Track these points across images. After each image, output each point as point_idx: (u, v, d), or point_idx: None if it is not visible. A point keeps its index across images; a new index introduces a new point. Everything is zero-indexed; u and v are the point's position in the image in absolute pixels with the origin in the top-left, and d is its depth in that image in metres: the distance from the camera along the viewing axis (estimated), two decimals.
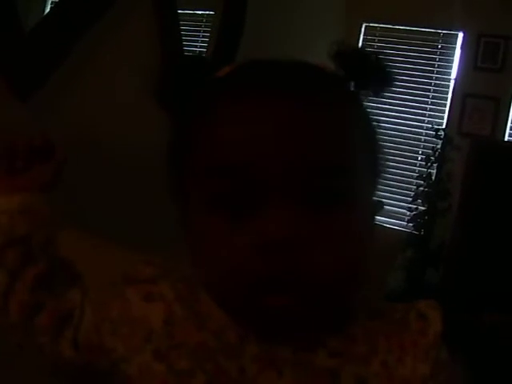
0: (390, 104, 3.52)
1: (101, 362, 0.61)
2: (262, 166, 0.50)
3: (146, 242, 1.41)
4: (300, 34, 3.13)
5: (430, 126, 3.52)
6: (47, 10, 1.98)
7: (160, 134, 0.61)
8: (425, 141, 3.59)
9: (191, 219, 0.56)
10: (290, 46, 2.95)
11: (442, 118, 3.59)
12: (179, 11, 2.38)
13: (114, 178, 2.13)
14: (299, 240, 0.50)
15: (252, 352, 0.56)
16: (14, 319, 0.65)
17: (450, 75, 3.59)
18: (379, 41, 3.71)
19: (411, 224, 3.35)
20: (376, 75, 0.58)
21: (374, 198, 0.59)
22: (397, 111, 3.58)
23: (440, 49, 3.62)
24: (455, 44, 3.58)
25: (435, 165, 3.39)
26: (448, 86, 3.59)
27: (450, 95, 3.58)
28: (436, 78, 3.62)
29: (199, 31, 2.68)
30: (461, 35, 3.55)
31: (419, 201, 3.36)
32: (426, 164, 3.40)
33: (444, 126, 3.50)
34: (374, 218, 0.59)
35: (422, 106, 3.62)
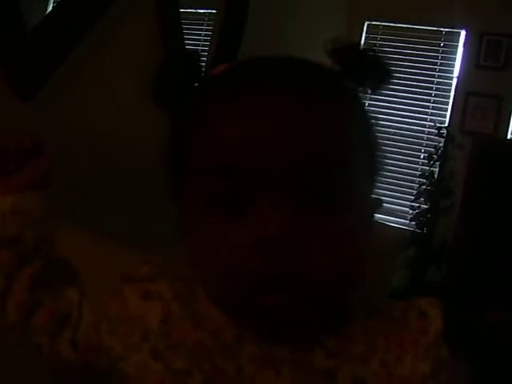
0: (392, 102, 3.51)
1: (100, 361, 0.61)
2: (259, 165, 0.50)
3: (144, 240, 1.41)
4: (302, 33, 3.13)
5: (432, 124, 3.51)
6: (49, 9, 1.98)
7: (160, 133, 0.60)
8: (427, 139, 3.58)
9: (190, 219, 0.56)
10: (291, 45, 2.95)
11: (445, 117, 3.58)
12: (181, 10, 2.38)
13: (113, 177, 2.13)
14: (297, 239, 0.50)
15: (250, 352, 0.56)
16: (12, 320, 0.65)
17: (452, 73, 3.58)
18: (381, 39, 3.70)
19: (413, 222, 3.34)
20: (373, 71, 0.58)
21: (373, 196, 0.59)
22: (399, 109, 3.57)
23: (442, 47, 3.61)
24: (457, 42, 3.57)
25: (438, 163, 3.38)
26: (450, 85, 3.58)
27: (452, 93, 3.57)
28: (438, 76, 3.61)
29: (201, 30, 2.68)
30: (463, 33, 3.54)
31: (422, 199, 3.36)
32: (429, 162, 3.39)
33: (446, 125, 3.49)
34: (372, 216, 0.58)
35: (425, 104, 3.61)
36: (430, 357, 0.57)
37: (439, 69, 3.61)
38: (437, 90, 3.61)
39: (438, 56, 3.62)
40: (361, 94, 0.58)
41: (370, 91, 0.58)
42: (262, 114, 0.51)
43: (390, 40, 3.66)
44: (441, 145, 3.37)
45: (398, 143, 3.47)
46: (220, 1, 2.58)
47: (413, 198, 3.40)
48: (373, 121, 0.59)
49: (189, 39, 2.47)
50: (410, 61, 3.53)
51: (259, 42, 2.69)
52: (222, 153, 0.52)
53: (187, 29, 2.44)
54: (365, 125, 0.58)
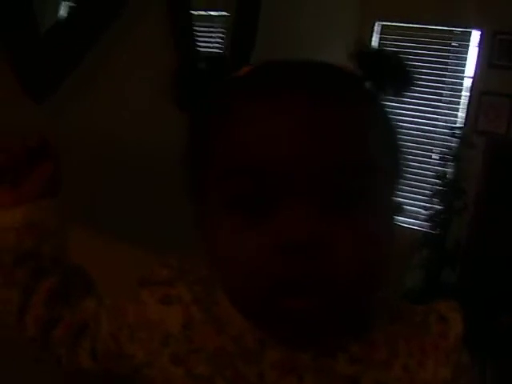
0: (406, 103, 3.49)
1: (121, 368, 0.61)
2: (283, 167, 0.50)
3: (159, 243, 1.41)
4: (314, 34, 3.12)
5: (445, 124, 3.49)
6: (60, 12, 1.99)
7: (174, 135, 0.60)
8: (440, 139, 3.56)
9: (209, 220, 0.55)
10: (303, 45, 2.94)
11: (458, 117, 3.56)
12: (193, 12, 2.38)
13: (126, 180, 2.14)
14: (321, 243, 0.49)
15: (272, 358, 0.55)
16: (31, 334, 0.64)
17: (465, 73, 3.57)
18: (394, 39, 3.69)
19: (427, 223, 3.33)
20: (395, 75, 0.57)
21: (395, 199, 0.59)
22: (412, 110, 3.56)
23: (455, 47, 3.60)
24: (470, 42, 3.55)
25: (451, 163, 3.37)
26: (463, 84, 3.56)
27: (465, 93, 3.55)
28: (451, 76, 3.59)
29: (213, 32, 2.68)
30: (476, 33, 3.52)
31: (435, 200, 3.34)
32: (442, 163, 3.38)
33: (460, 125, 3.47)
34: (394, 220, 0.58)
35: (438, 104, 3.59)
36: (451, 361, 0.57)
37: (452, 69, 3.59)
38: (450, 90, 3.59)
39: (450, 56, 3.61)
40: (383, 98, 0.58)
41: (391, 95, 0.58)
42: (286, 116, 0.50)
43: (402, 40, 3.64)
44: (454, 145, 3.36)
45: (411, 144, 3.46)
46: (232, 3, 2.58)
47: (426, 198, 3.39)
48: (395, 124, 0.59)
49: (201, 41, 2.47)
50: (422, 61, 3.51)
51: (271, 42, 2.69)
52: (241, 154, 0.52)
53: (199, 31, 2.44)
54: (388, 128, 0.58)
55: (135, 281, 0.64)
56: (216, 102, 0.56)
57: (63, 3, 2.00)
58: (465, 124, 3.49)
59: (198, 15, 2.43)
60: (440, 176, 3.35)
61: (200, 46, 2.45)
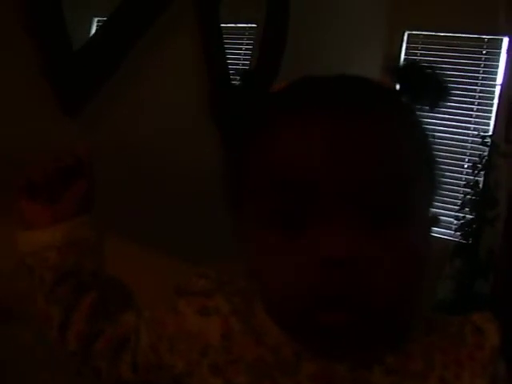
0: (436, 112, 3.45)
1: (161, 379, 0.61)
2: (319, 183, 0.50)
3: (198, 253, 1.42)
4: (341, 44, 3.13)
5: (476, 133, 3.45)
6: (93, 30, 2.02)
7: (211, 145, 0.61)
8: (471, 148, 3.52)
9: (248, 233, 0.56)
10: (332, 56, 2.95)
11: (489, 125, 3.52)
12: (222, 25, 2.40)
13: (161, 190, 2.16)
14: (361, 260, 0.50)
15: (308, 370, 0.55)
16: (72, 348, 0.65)
17: (495, 81, 3.53)
18: (422, 48, 3.67)
19: (459, 233, 3.29)
20: (431, 88, 0.57)
21: (431, 211, 0.59)
22: (442, 119, 3.53)
23: (485, 54, 3.56)
24: (500, 49, 3.52)
25: (482, 172, 3.33)
26: (494, 92, 3.52)
27: (495, 101, 3.51)
28: (481, 84, 3.55)
29: (242, 44, 2.70)
30: (506, 40, 3.48)
31: (467, 209, 3.30)
32: (473, 172, 3.33)
33: (490, 133, 3.43)
34: (430, 234, 0.58)
35: (468, 113, 3.56)
36: (487, 373, 0.56)
37: (482, 77, 3.56)
38: (480, 98, 3.55)
39: (480, 64, 3.57)
40: (419, 111, 0.58)
41: (427, 107, 0.58)
42: (323, 132, 0.51)
43: (431, 49, 3.62)
44: (485, 154, 3.32)
45: (441, 153, 3.41)
46: (260, 15, 2.60)
47: (457, 208, 3.35)
48: (430, 137, 0.59)
49: (230, 53, 2.49)
50: (452, 69, 3.49)
51: (300, 54, 2.70)
52: (279, 169, 0.52)
53: (228, 43, 2.46)
54: (423, 141, 0.58)
55: (172, 290, 0.65)
56: (253, 117, 0.57)
57: (95, 19, 2.04)
58: (494, 132, 3.45)
59: (227, 27, 2.46)
60: (471, 185, 3.31)
61: (229, 58, 2.47)
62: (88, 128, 1.93)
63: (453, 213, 3.37)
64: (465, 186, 3.37)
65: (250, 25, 2.71)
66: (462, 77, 3.53)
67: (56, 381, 1.18)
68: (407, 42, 3.71)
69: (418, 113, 0.58)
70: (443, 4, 3.49)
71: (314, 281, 0.50)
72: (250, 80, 0.61)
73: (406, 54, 3.65)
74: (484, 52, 3.56)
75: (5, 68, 1.68)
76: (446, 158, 3.48)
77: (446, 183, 3.47)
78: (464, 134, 3.57)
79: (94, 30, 2.03)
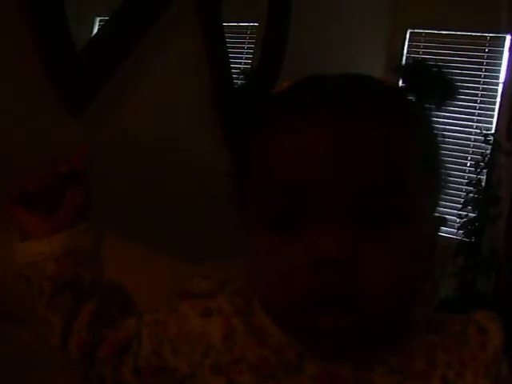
0: (438, 110, 3.45)
1: (165, 382, 0.61)
2: (321, 184, 0.50)
3: (198, 252, 1.42)
4: (344, 42, 3.12)
5: (478, 131, 3.45)
6: (95, 29, 2.03)
7: (211, 145, 0.61)
8: (474, 146, 3.52)
9: (249, 233, 0.57)
10: (334, 54, 2.94)
11: (491, 123, 3.51)
12: (224, 24, 2.41)
13: (168, 189, 2.16)
14: (355, 261, 0.50)
15: (311, 371, 0.55)
16: (75, 355, 0.64)
17: (498, 79, 3.52)
18: (424, 47, 3.66)
19: (462, 231, 3.28)
20: (438, 87, 0.57)
21: (436, 214, 0.58)
22: (445, 117, 3.52)
23: (487, 53, 3.55)
24: (503, 47, 3.51)
25: (485, 170, 3.32)
26: (496, 91, 3.51)
27: (498, 99, 3.50)
28: (484, 82, 3.55)
29: (244, 43, 2.70)
30: (508, 38, 3.47)
31: (469, 207, 3.30)
32: (476, 170, 3.33)
33: (493, 131, 3.43)
34: (435, 235, 0.58)
35: (471, 111, 3.55)
36: (490, 373, 0.56)
37: (484, 75, 3.55)
38: (483, 96, 3.55)
39: (483, 62, 3.56)
40: (426, 110, 0.58)
41: (434, 107, 0.58)
42: (326, 134, 0.51)
43: (433, 47, 3.61)
44: (488, 152, 3.31)
45: (444, 151, 3.40)
46: (262, 14, 2.60)
47: (460, 206, 3.34)
48: (438, 138, 0.59)
49: (232, 52, 2.50)
50: (454, 68, 3.47)
51: (302, 52, 2.70)
52: (278, 172, 0.52)
53: (230, 42, 2.47)
54: (429, 143, 0.58)
55: (173, 292, 0.64)
56: (256, 118, 0.57)
57: (97, 19, 2.04)
58: (496, 130, 3.44)
59: (229, 26, 2.46)
60: (474, 183, 3.31)
61: (231, 57, 2.47)
62: (91, 128, 1.94)
63: (455, 211, 3.37)
64: (467, 184, 3.37)
65: (251, 24, 2.71)
66: (465, 75, 3.53)
67: (56, 381, 1.18)
68: (410, 40, 3.70)
69: (426, 112, 0.58)
70: (445, 2, 3.48)
71: (309, 282, 0.50)
72: (252, 80, 0.61)
73: (408, 52, 3.65)
74: (486, 50, 3.55)
75: (8, 69, 1.69)
76: (449, 156, 3.47)
77: (449, 181, 3.46)
78: (466, 132, 3.56)
79: (95, 30, 2.03)
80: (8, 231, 0.67)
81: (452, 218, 3.40)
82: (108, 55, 1.93)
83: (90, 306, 0.65)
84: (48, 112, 1.81)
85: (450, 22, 3.51)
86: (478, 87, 3.54)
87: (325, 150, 0.51)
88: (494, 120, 3.51)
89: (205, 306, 0.61)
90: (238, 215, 0.59)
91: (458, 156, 3.53)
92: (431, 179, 0.57)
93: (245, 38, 2.73)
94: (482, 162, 3.31)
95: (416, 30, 3.69)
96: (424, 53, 3.63)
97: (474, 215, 3.28)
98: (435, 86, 0.57)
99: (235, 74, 2.46)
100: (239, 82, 2.28)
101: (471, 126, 3.56)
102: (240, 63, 2.64)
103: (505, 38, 3.49)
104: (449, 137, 3.53)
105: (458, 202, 3.38)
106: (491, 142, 3.30)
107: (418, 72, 0.57)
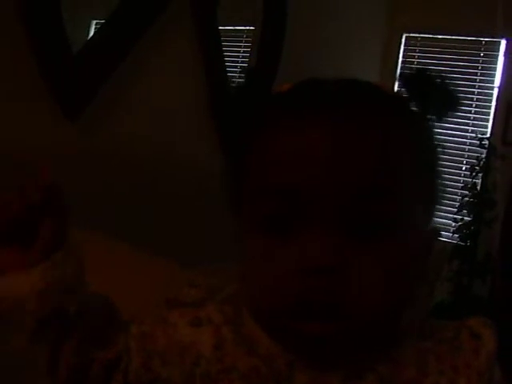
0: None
1: None
2: (312, 187, 0.50)
3: (194, 255, 1.42)
4: (340, 46, 3.13)
5: (473, 135, 3.46)
6: (91, 32, 2.03)
7: (208, 148, 0.61)
8: (469, 150, 3.53)
9: (243, 236, 0.56)
10: (330, 58, 2.95)
11: (486, 127, 3.52)
12: (220, 28, 2.41)
13: (164, 191, 2.16)
14: (342, 268, 0.49)
15: (301, 380, 0.55)
16: (64, 380, 0.61)
17: (493, 83, 3.53)
18: (420, 51, 3.68)
19: (457, 235, 3.29)
20: (441, 98, 0.57)
21: (430, 226, 0.58)
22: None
23: (482, 57, 3.57)
24: (498, 51, 3.52)
25: (480, 174, 3.33)
26: (491, 95, 3.53)
27: (493, 103, 3.51)
28: (479, 86, 3.56)
29: (240, 47, 2.71)
30: (503, 42, 3.49)
31: (464, 211, 3.30)
32: (471, 174, 3.34)
33: (488, 135, 3.44)
34: (428, 247, 0.57)
35: (466, 115, 3.56)
36: (483, 380, 0.56)
37: (480, 79, 3.56)
38: (478, 100, 3.56)
39: (478, 66, 3.58)
40: (426, 119, 0.57)
41: (435, 117, 0.57)
42: (324, 136, 0.51)
43: (428, 52, 3.63)
44: (483, 156, 3.32)
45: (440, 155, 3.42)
46: (258, 17, 2.60)
47: (455, 210, 3.35)
48: (436, 146, 0.58)
49: (228, 56, 2.50)
50: (450, 72, 3.49)
51: (298, 56, 2.71)
52: (272, 174, 0.52)
53: (226, 46, 2.47)
54: (426, 152, 0.57)
55: (162, 300, 0.63)
56: (253, 119, 0.57)
57: (93, 22, 2.04)
58: (492, 134, 3.45)
59: (225, 30, 2.46)
60: (469, 187, 3.32)
61: (228, 61, 2.47)
62: (88, 131, 1.93)
63: (451, 215, 3.38)
64: (463, 188, 3.37)
65: (247, 27, 2.71)
66: (460, 79, 3.54)
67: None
68: (405, 45, 3.71)
69: (425, 120, 0.57)
70: (441, 6, 3.49)
71: (298, 287, 0.50)
72: (252, 79, 0.60)
73: (403, 57, 3.66)
74: (482, 54, 3.57)
75: (4, 71, 1.68)
76: (444, 160, 3.46)
77: (444, 185, 3.46)
78: (462, 136, 3.57)
79: (92, 33, 2.03)
80: None
81: (447, 221, 3.41)
82: (104, 58, 1.93)
83: (75, 333, 0.62)
84: (45, 114, 1.80)
85: (445, 26, 3.53)
86: (474, 91, 3.56)
87: (323, 152, 0.50)
88: (490, 124, 3.52)
89: (194, 316, 0.60)
90: (233, 218, 0.58)
91: (453, 160, 3.54)
92: (426, 191, 0.56)
93: (241, 42, 2.73)
94: (477, 165, 3.32)
95: (412, 34, 3.70)
96: (419, 57, 3.64)
97: (469, 219, 3.29)
98: (438, 98, 0.56)
99: (231, 77, 2.46)
100: (239, 80, 2.27)
101: (466, 130, 3.57)
102: (236, 66, 2.64)
103: (500, 42, 3.50)
104: (444, 141, 3.53)
105: (454, 206, 3.38)
106: (486, 146, 3.31)
107: (422, 82, 0.57)
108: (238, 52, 2.71)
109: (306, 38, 2.86)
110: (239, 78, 2.56)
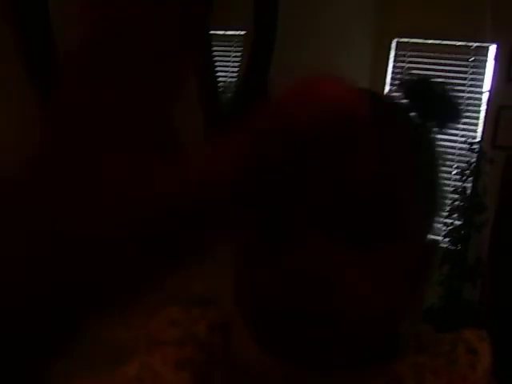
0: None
1: None
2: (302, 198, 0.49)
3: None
4: (330, 51, 3.13)
5: (463, 139, 3.47)
6: None
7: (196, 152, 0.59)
8: (459, 155, 3.54)
9: (238, 243, 0.55)
10: (320, 63, 2.95)
11: (476, 132, 3.54)
12: (210, 32, 2.41)
13: None
14: (337, 278, 0.49)
15: None
16: None
17: (482, 88, 3.55)
18: (410, 56, 3.69)
19: (447, 239, 3.30)
20: (443, 109, 0.56)
21: (428, 237, 0.57)
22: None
23: (472, 62, 3.59)
24: (487, 56, 3.54)
25: (470, 179, 3.34)
26: (481, 99, 3.54)
27: (483, 108, 3.53)
28: (469, 91, 3.58)
29: (231, 52, 2.70)
30: (493, 47, 3.51)
31: (455, 215, 3.31)
32: (461, 178, 3.35)
33: (478, 140, 3.45)
34: (426, 259, 0.57)
35: None
36: None
37: (470, 84, 3.58)
38: (468, 104, 3.57)
39: (467, 71, 3.60)
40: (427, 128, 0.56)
41: (437, 127, 0.56)
42: None
43: (419, 56, 3.64)
44: (473, 160, 3.33)
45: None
46: (249, 22, 2.60)
47: (446, 214, 3.35)
48: (439, 159, 0.58)
49: (219, 61, 2.49)
50: (439, 77, 3.50)
51: (288, 61, 2.70)
52: None
53: (217, 51, 2.47)
54: (428, 164, 0.57)
55: (141, 341, 0.60)
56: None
57: None
58: (482, 139, 3.47)
59: (216, 35, 2.46)
60: (459, 191, 3.33)
61: (218, 66, 2.47)
62: None
63: (441, 219, 3.38)
64: (453, 192, 3.38)
65: (238, 32, 2.71)
66: (450, 84, 3.55)
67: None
68: (395, 50, 3.72)
69: (427, 130, 0.56)
70: (431, 12, 3.51)
71: (292, 297, 0.49)
72: (243, 84, 0.59)
73: (394, 62, 3.67)
74: (471, 59, 3.58)
75: None
76: None
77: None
78: (452, 141, 3.58)
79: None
80: None
81: (438, 225, 3.42)
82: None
83: None
84: (32, 115, 1.79)
85: (435, 31, 3.54)
86: (463, 96, 3.57)
87: None
88: (479, 129, 3.54)
89: (176, 359, 0.58)
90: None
91: (443, 164, 3.55)
92: (424, 201, 0.55)
93: (231, 47, 2.73)
94: (467, 170, 3.33)
95: (402, 40, 3.71)
96: (410, 62, 3.66)
97: (459, 223, 3.30)
98: (440, 108, 0.56)
99: (222, 82, 2.45)
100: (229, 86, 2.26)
101: (456, 135, 3.58)
102: (227, 71, 2.64)
103: (489, 47, 3.52)
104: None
105: (444, 210, 3.39)
106: (476, 150, 3.32)
107: (424, 91, 0.56)
108: (229, 57, 2.71)
109: (295, 42, 2.85)
110: (230, 83, 2.56)
